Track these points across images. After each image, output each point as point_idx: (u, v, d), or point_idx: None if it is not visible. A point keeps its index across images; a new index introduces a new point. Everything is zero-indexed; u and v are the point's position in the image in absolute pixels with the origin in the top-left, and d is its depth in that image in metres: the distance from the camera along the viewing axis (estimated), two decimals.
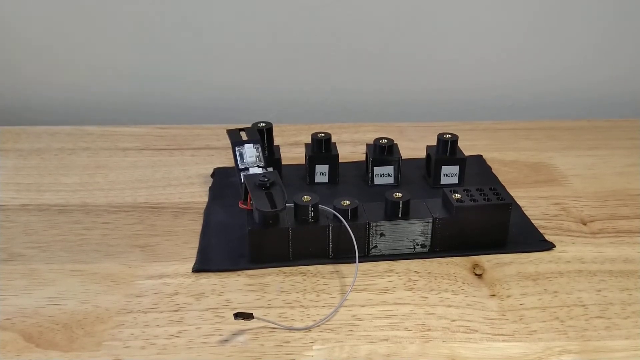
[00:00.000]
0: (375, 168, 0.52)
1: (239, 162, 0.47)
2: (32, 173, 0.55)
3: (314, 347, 0.35)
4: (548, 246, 0.44)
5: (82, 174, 0.55)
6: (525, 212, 0.48)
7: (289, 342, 0.35)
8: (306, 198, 0.41)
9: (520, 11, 0.67)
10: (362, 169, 0.54)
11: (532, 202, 0.50)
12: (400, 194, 0.42)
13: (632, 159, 0.57)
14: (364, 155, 0.54)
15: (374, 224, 0.42)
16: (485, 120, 0.68)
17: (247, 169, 0.46)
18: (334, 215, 0.41)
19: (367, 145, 0.53)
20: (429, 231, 0.42)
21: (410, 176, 0.54)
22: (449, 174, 0.51)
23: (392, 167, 0.52)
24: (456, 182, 0.52)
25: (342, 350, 0.35)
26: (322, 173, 0.52)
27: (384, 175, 0.52)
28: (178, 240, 0.45)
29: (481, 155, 0.58)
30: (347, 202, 0.42)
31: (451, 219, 0.42)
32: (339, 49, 0.68)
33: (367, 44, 0.68)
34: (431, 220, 0.42)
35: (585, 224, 0.47)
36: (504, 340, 0.36)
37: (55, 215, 0.49)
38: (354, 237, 0.41)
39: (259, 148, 0.48)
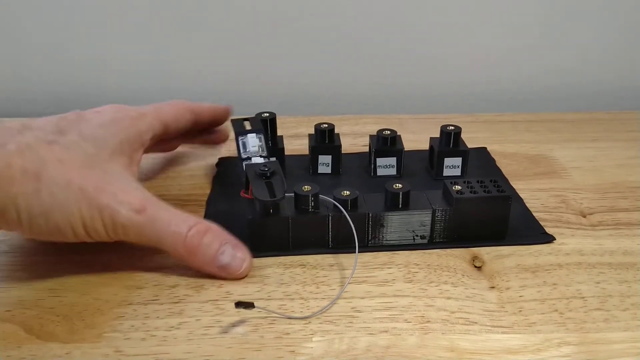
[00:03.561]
0: (377, 159, 0.52)
1: (241, 151, 0.47)
2: None
3: (313, 339, 0.35)
4: (548, 239, 0.44)
5: None
6: (526, 204, 0.48)
7: (289, 333, 0.36)
8: (306, 188, 0.42)
9: (520, 5, 0.67)
10: (366, 160, 0.54)
11: (532, 194, 0.50)
12: (400, 185, 0.42)
13: (633, 152, 0.57)
14: (365, 147, 0.54)
15: (374, 215, 0.42)
16: (486, 112, 0.68)
17: (249, 158, 0.46)
18: (334, 205, 0.42)
19: (371, 136, 0.53)
20: (429, 222, 0.43)
21: (413, 168, 0.54)
22: (452, 165, 0.51)
23: (394, 158, 0.52)
24: (459, 174, 0.52)
25: (342, 342, 0.35)
26: (325, 164, 0.53)
27: (386, 166, 0.52)
28: None
29: (485, 148, 0.58)
30: (347, 192, 0.42)
31: (451, 211, 0.42)
32: (339, 41, 0.68)
33: (367, 36, 0.68)
34: (431, 212, 0.42)
35: (584, 216, 0.47)
36: (503, 332, 0.36)
37: None
38: (354, 227, 0.41)
39: (262, 138, 0.48)
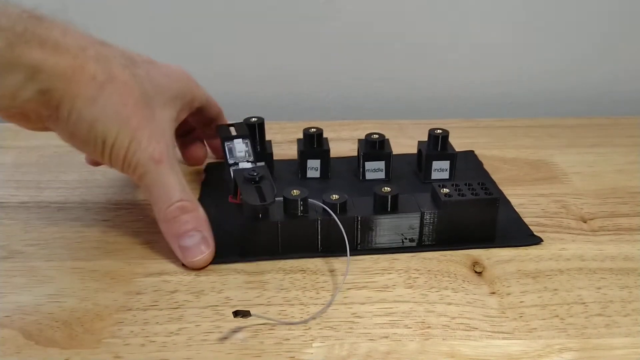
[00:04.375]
0: (366, 163, 0.52)
1: (228, 157, 0.47)
2: (31, 170, 0.55)
3: (313, 345, 0.35)
4: (535, 241, 0.44)
5: (82, 171, 0.55)
6: (524, 209, 0.48)
7: (289, 339, 0.35)
8: (295, 192, 0.42)
9: (521, 9, 0.67)
10: (354, 164, 0.54)
11: (532, 199, 0.50)
12: (388, 189, 0.42)
13: (633, 157, 0.57)
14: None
15: (363, 218, 0.42)
16: (485, 117, 0.68)
17: (236, 164, 0.46)
18: (323, 209, 0.41)
19: (359, 140, 0.53)
20: (417, 225, 0.43)
21: (401, 171, 0.54)
22: (440, 169, 0.52)
23: (382, 162, 0.52)
24: (447, 177, 0.52)
25: (342, 347, 0.35)
26: (313, 168, 0.53)
27: (375, 170, 0.52)
28: None
29: (473, 151, 0.58)
30: (336, 196, 0.42)
31: (439, 214, 0.42)
32: (339, 46, 0.68)
33: (367, 41, 0.68)
34: (419, 215, 0.42)
35: (585, 222, 0.47)
36: (503, 338, 0.36)
37: (55, 213, 0.48)
38: (344, 230, 0.41)
39: (248, 143, 0.48)
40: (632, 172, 0.55)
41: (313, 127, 0.52)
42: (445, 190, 0.43)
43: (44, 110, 0.39)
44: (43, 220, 0.48)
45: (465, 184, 0.43)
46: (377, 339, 0.36)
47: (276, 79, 0.70)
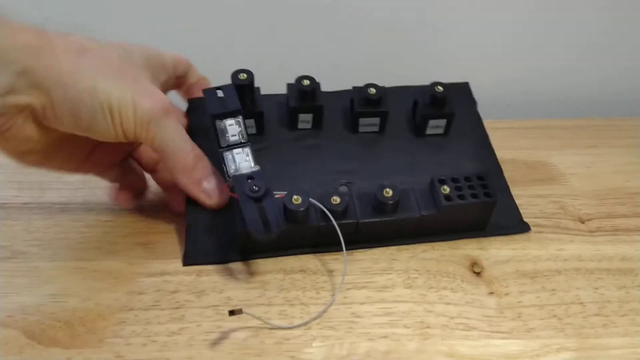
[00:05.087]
0: (360, 119, 0.50)
1: (219, 137, 0.44)
2: (34, 171, 0.55)
3: (313, 344, 0.35)
4: (524, 228, 0.45)
5: None
6: (522, 210, 0.48)
7: (289, 339, 0.36)
8: (296, 200, 0.41)
9: (517, 10, 0.67)
10: (348, 107, 0.51)
11: (530, 200, 0.50)
12: (390, 192, 0.42)
13: (630, 158, 0.58)
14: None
15: (362, 223, 0.42)
16: (483, 119, 0.68)
17: (229, 148, 0.44)
18: (322, 211, 0.41)
19: (354, 88, 0.50)
20: (415, 225, 0.43)
21: (395, 124, 0.51)
22: (436, 126, 0.51)
23: (377, 118, 0.50)
24: (442, 132, 0.51)
25: (342, 347, 0.35)
26: (305, 121, 0.50)
27: (369, 124, 0.50)
28: (179, 238, 0.45)
29: (467, 83, 0.56)
30: (338, 199, 0.41)
31: (438, 216, 0.42)
32: (336, 49, 0.68)
33: (364, 42, 0.68)
34: (418, 216, 0.42)
35: (583, 222, 0.47)
36: (502, 338, 0.36)
37: (57, 214, 0.49)
38: (342, 237, 0.40)
39: (240, 122, 0.44)
40: (630, 173, 0.55)
41: (306, 78, 0.48)
42: (445, 189, 0.42)
43: (36, 100, 0.35)
44: (45, 220, 0.48)
45: (465, 179, 0.43)
46: (376, 338, 0.36)
47: (273, 82, 0.70)
